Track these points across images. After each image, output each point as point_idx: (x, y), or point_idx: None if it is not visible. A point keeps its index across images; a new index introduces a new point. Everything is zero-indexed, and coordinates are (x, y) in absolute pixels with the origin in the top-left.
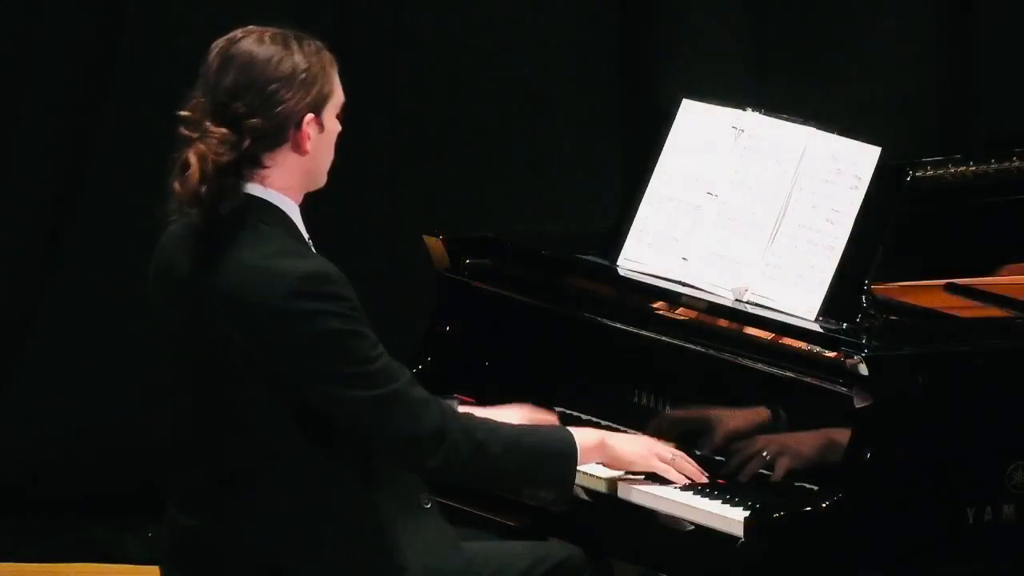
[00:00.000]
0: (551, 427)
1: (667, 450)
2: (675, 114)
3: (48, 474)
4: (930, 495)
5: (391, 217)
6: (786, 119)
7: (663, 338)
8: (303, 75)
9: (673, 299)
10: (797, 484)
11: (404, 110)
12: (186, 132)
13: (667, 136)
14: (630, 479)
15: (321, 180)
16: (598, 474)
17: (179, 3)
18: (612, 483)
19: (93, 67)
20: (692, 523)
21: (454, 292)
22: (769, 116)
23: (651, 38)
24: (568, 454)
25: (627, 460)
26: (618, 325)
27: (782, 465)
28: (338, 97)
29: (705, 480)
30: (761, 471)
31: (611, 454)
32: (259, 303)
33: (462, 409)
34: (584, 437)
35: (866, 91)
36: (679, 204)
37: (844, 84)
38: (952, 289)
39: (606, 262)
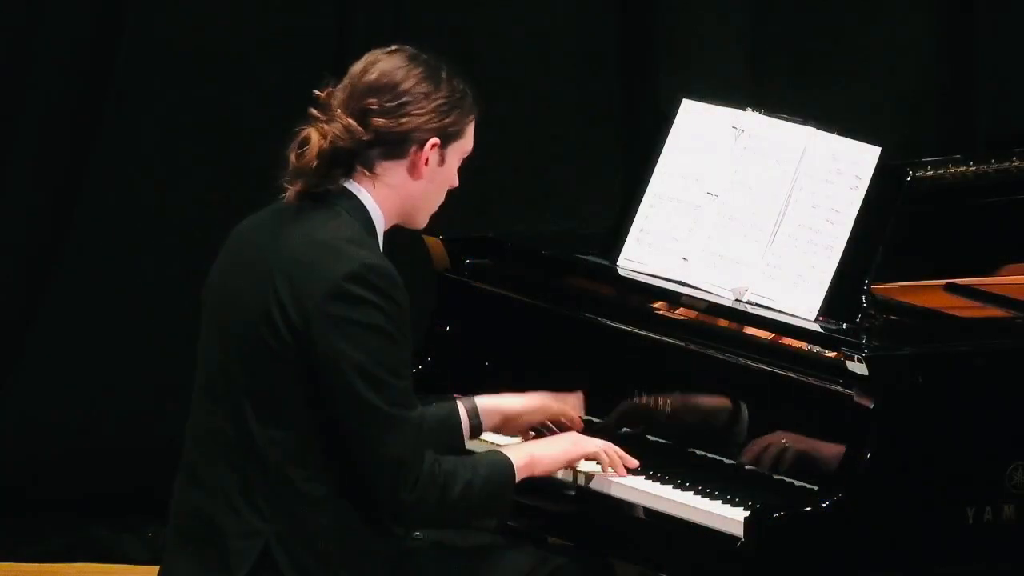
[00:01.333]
0: (492, 456)
1: (591, 444)
2: (675, 114)
3: (48, 474)
4: (930, 495)
5: None
6: (786, 119)
7: (663, 338)
8: (441, 102)
9: (673, 299)
10: (797, 484)
11: None
12: (315, 112)
13: (667, 136)
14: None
15: (420, 219)
16: (586, 469)
17: (180, 2)
18: (606, 482)
19: (93, 66)
20: (688, 520)
21: (454, 292)
22: (769, 116)
23: (651, 38)
24: (509, 483)
25: (555, 462)
26: (618, 325)
27: (782, 465)
28: (467, 144)
29: (635, 464)
30: (761, 471)
31: (542, 464)
32: (318, 277)
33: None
34: (516, 457)
35: (866, 91)
36: (679, 204)
37: (844, 84)
38: (952, 289)
39: (606, 262)
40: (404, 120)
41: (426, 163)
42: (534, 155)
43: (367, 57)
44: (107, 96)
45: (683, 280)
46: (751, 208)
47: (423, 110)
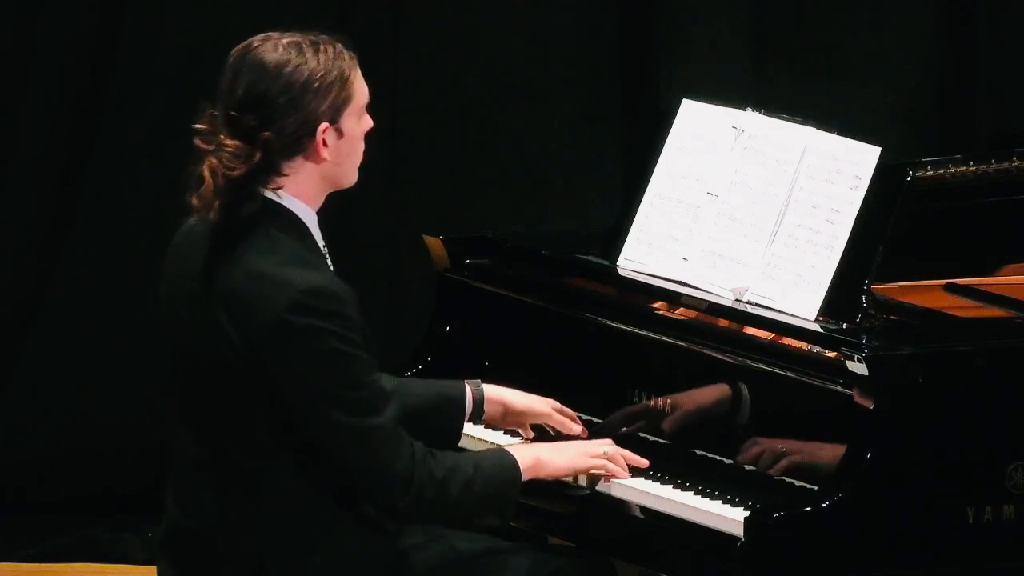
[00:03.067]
0: (499, 455)
1: (598, 446)
2: (675, 114)
3: (48, 474)
4: (930, 495)
5: (391, 217)
6: (786, 119)
7: (663, 338)
8: (316, 83)
9: (673, 299)
10: (797, 484)
11: (404, 110)
12: (201, 145)
13: (667, 136)
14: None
15: (346, 180)
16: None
17: (180, 2)
18: (603, 482)
19: (94, 66)
20: (688, 520)
21: (454, 292)
22: (769, 116)
23: (651, 38)
24: (514, 483)
25: (561, 470)
26: (618, 325)
27: (782, 465)
28: (360, 99)
29: (645, 464)
30: (761, 471)
31: (547, 469)
32: (262, 311)
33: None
34: (522, 458)
35: (866, 91)
36: (679, 204)
37: (844, 84)
38: (952, 289)
39: (606, 262)
40: (288, 121)
41: (325, 145)
42: (534, 155)
43: (230, 67)
44: (108, 96)
45: (683, 280)
46: (751, 208)
47: (302, 104)
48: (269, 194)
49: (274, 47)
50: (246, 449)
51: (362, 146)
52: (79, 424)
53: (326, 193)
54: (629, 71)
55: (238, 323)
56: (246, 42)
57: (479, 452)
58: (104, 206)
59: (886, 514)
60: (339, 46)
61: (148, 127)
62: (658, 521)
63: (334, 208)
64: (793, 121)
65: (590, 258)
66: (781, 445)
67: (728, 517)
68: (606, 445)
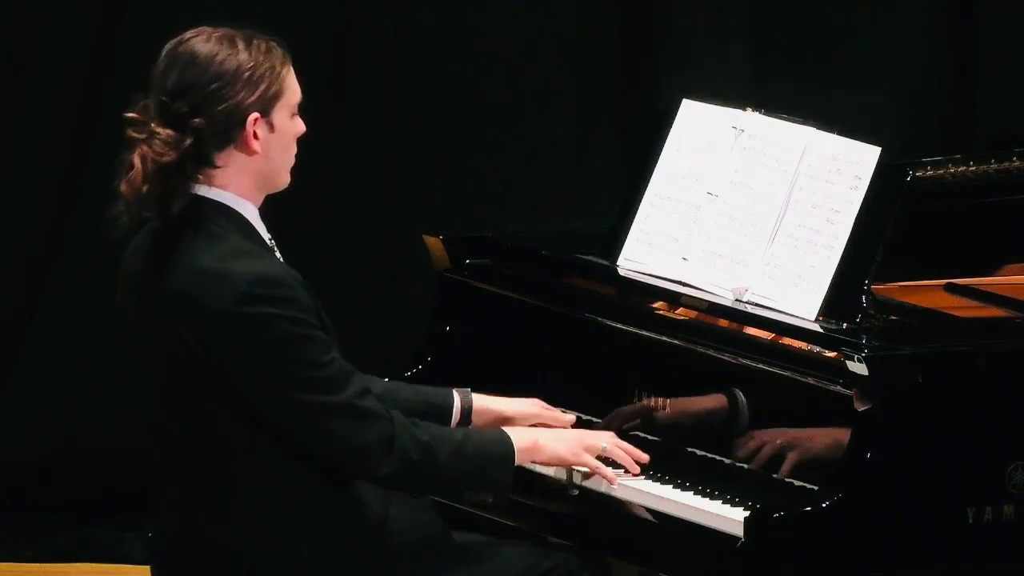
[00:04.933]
0: (491, 430)
1: (598, 439)
2: (675, 114)
3: (48, 474)
4: (930, 495)
5: (391, 217)
6: (786, 119)
7: (663, 338)
8: (247, 74)
9: (673, 299)
10: (797, 484)
11: (404, 110)
12: (133, 134)
13: (667, 136)
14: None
15: (279, 182)
16: (581, 469)
17: (180, 1)
18: (606, 482)
19: (94, 66)
20: (688, 520)
21: (454, 292)
22: (769, 116)
23: (651, 38)
24: (507, 457)
25: (558, 457)
26: (618, 325)
27: (782, 465)
28: (291, 96)
29: (646, 459)
30: (761, 471)
31: (544, 453)
32: (210, 306)
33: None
34: (519, 438)
35: (866, 91)
36: (679, 204)
37: (844, 84)
38: (952, 289)
39: (606, 262)
40: (218, 108)
41: (256, 137)
42: (534, 155)
43: (163, 58)
44: (108, 95)
45: (683, 280)
46: (751, 208)
47: (232, 91)
48: (204, 190)
49: (207, 39)
50: (220, 448)
51: (294, 148)
52: (79, 424)
53: (263, 193)
54: (629, 71)
55: (190, 323)
56: (180, 35)
57: (472, 428)
58: (104, 207)
59: (886, 514)
60: (272, 43)
61: None
62: (658, 521)
63: (334, 208)
64: (793, 121)
65: (590, 258)
66: (781, 445)
67: (728, 517)
68: (608, 437)
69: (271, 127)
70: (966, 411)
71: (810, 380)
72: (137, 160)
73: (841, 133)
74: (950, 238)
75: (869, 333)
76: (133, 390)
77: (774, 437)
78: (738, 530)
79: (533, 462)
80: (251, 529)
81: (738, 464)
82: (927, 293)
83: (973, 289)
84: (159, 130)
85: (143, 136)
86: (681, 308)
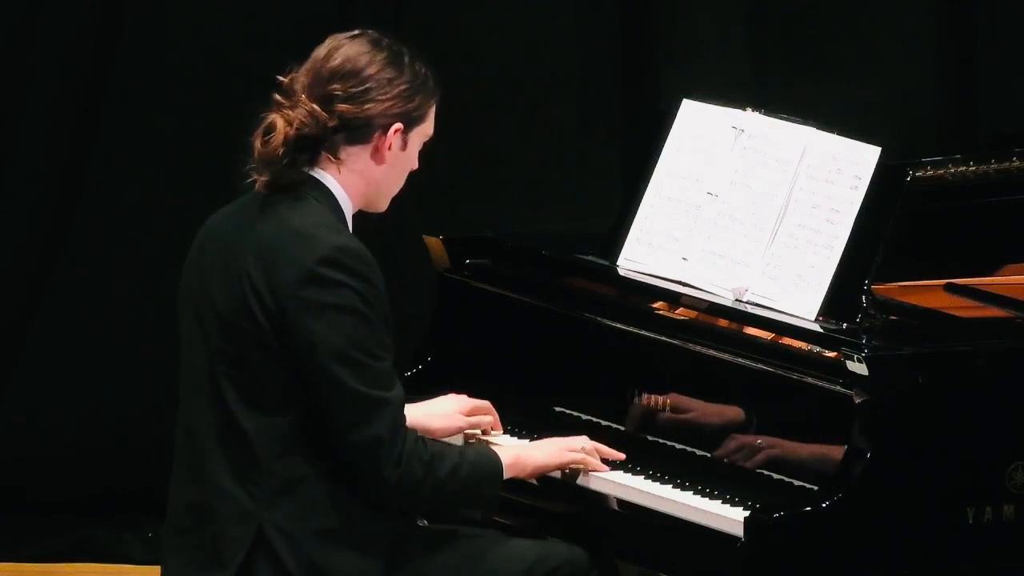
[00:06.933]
0: (480, 448)
1: (575, 443)
2: (675, 114)
3: (48, 474)
4: (930, 495)
5: (391, 217)
6: (786, 119)
7: (663, 338)
8: (405, 86)
9: (673, 299)
10: (797, 484)
11: None
12: (279, 98)
13: (667, 136)
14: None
15: (381, 203)
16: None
17: (180, 1)
18: (605, 483)
19: (94, 66)
20: (688, 520)
21: (454, 292)
22: (769, 116)
23: (651, 38)
24: (497, 475)
25: (541, 465)
26: (618, 325)
27: (782, 465)
28: (428, 127)
29: (621, 457)
30: (761, 471)
31: (527, 466)
32: (292, 263)
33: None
34: (503, 454)
35: (866, 91)
36: (679, 204)
37: (844, 84)
38: (952, 289)
39: (606, 262)
40: (368, 106)
41: (389, 148)
42: (534, 155)
43: (329, 42)
44: (108, 95)
45: (683, 280)
46: (751, 208)
47: (387, 95)
48: (318, 173)
49: (378, 40)
50: (253, 414)
51: (405, 176)
52: (79, 424)
53: (362, 204)
54: (629, 71)
55: (269, 275)
56: (349, 32)
57: (463, 445)
58: (104, 206)
59: (886, 514)
60: (430, 73)
61: (148, 127)
62: (658, 521)
63: None
64: (793, 121)
65: (590, 258)
66: (781, 445)
67: (728, 517)
68: (582, 440)
69: (404, 144)
70: (966, 411)
71: (810, 380)
72: (280, 122)
73: (841, 133)
74: (950, 238)
75: (869, 333)
76: (133, 390)
77: (774, 437)
78: (738, 530)
79: (520, 476)
80: (268, 497)
81: (738, 464)
82: (927, 293)
83: (973, 289)
84: (306, 102)
85: (289, 103)
86: (681, 308)
